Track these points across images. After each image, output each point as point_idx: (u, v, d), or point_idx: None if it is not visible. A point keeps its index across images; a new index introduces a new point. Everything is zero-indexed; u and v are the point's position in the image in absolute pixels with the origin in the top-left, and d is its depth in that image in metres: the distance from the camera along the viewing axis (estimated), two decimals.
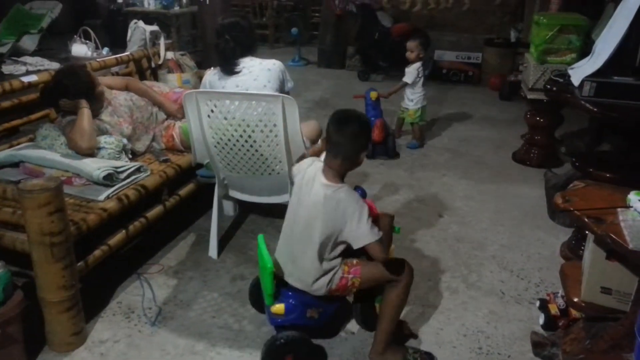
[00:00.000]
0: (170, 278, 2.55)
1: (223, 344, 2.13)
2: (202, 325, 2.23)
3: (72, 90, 2.55)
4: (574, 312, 2.09)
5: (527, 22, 5.67)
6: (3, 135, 2.89)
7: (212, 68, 2.77)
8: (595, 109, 2.32)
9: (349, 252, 1.94)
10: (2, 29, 6.39)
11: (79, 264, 2.09)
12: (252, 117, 2.35)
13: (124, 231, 2.38)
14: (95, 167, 2.38)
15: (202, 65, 4.39)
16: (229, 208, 3.11)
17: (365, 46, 6.46)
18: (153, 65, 3.66)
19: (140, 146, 2.84)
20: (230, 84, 2.61)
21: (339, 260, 1.93)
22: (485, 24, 6.68)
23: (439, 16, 6.75)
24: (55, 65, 4.35)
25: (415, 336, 2.17)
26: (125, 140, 2.68)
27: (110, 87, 2.86)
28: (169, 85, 3.36)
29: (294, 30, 7.25)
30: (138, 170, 2.53)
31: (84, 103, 2.54)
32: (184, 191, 2.78)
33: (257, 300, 2.23)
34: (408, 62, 4.22)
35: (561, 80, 2.71)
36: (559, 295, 2.20)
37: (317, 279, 1.91)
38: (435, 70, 6.34)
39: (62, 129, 2.61)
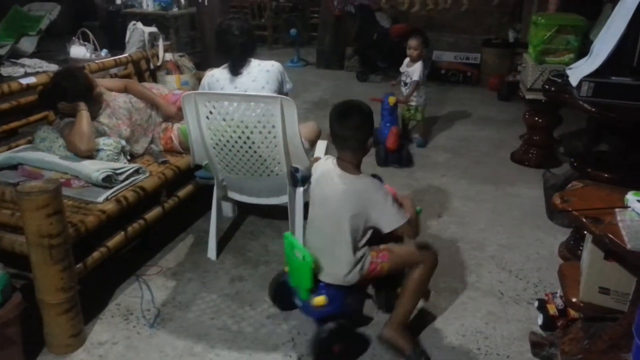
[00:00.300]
0: (169, 279, 2.55)
1: (222, 345, 2.13)
2: (200, 327, 2.23)
3: (71, 92, 2.55)
4: (573, 312, 2.09)
5: (526, 22, 5.68)
6: (1, 137, 2.88)
7: (212, 69, 2.75)
8: (593, 109, 2.32)
9: (374, 239, 1.99)
10: (0, 31, 6.39)
11: (78, 265, 2.09)
12: (250, 118, 2.35)
13: (122, 233, 2.38)
14: (94, 168, 2.39)
15: (201, 66, 4.39)
16: (227, 209, 3.11)
17: (364, 47, 6.47)
18: (152, 66, 3.66)
19: (138, 148, 2.84)
20: (229, 85, 2.62)
21: (366, 247, 1.97)
22: (484, 25, 6.69)
23: (438, 17, 6.76)
24: (53, 67, 4.35)
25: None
26: (123, 142, 2.68)
27: (109, 89, 2.85)
28: (168, 87, 3.36)
29: (293, 31, 7.25)
30: (137, 171, 2.53)
31: (82, 105, 2.54)
32: (182, 192, 2.78)
33: (282, 297, 2.24)
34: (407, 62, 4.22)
35: (559, 80, 2.71)
36: (558, 295, 2.20)
37: (351, 270, 1.94)
38: (434, 71, 6.33)
39: (60, 131, 2.61)
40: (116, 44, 5.01)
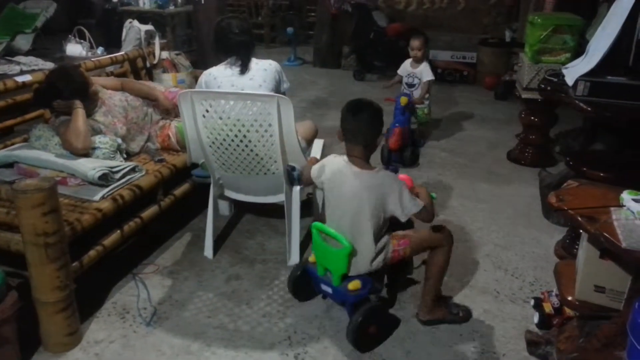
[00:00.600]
0: (165, 278, 2.54)
1: (218, 344, 2.13)
2: (197, 326, 2.23)
3: (66, 90, 2.54)
4: (568, 311, 2.10)
5: (522, 21, 5.69)
6: None
7: (213, 68, 2.72)
8: (589, 109, 2.33)
9: (393, 227, 2.13)
10: None
11: (74, 264, 2.08)
12: (247, 117, 2.35)
13: (119, 231, 2.37)
14: (90, 167, 2.38)
15: (198, 64, 4.38)
16: (224, 208, 3.10)
17: (361, 46, 6.46)
18: (148, 64, 3.65)
19: (134, 146, 2.83)
20: (226, 83, 2.61)
21: (387, 235, 2.09)
22: (480, 24, 6.69)
23: (434, 16, 6.76)
24: (49, 65, 4.32)
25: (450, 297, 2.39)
26: (119, 140, 2.67)
27: (105, 87, 2.84)
28: (164, 85, 3.36)
29: (290, 29, 7.24)
30: (133, 170, 2.52)
31: (78, 103, 2.54)
32: (179, 191, 2.77)
33: (302, 289, 2.32)
34: (405, 60, 4.19)
35: (555, 79, 2.72)
36: (554, 293, 2.21)
37: (374, 258, 2.06)
38: (431, 70, 6.33)
39: (56, 129, 2.60)
40: (112, 42, 4.98)
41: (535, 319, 2.22)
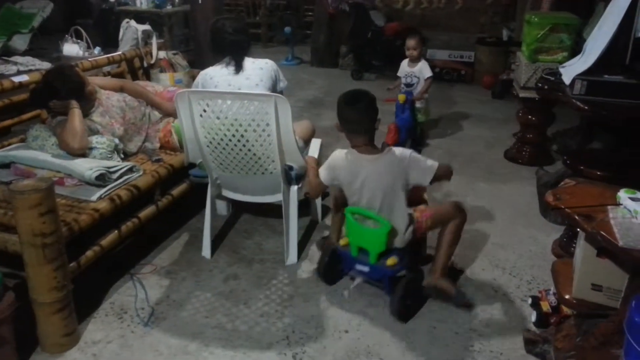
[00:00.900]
0: (163, 278, 2.54)
1: (216, 343, 2.13)
2: (195, 325, 2.23)
3: (62, 90, 2.53)
4: (566, 309, 2.11)
5: (519, 21, 5.69)
6: None
7: (210, 68, 2.72)
8: (586, 107, 2.33)
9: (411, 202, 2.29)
10: None
11: (71, 264, 2.08)
12: (244, 116, 2.35)
13: (116, 231, 2.37)
14: (87, 167, 2.38)
15: (195, 64, 4.38)
16: (222, 208, 3.10)
17: (358, 45, 6.47)
18: (145, 64, 3.64)
19: (132, 147, 2.83)
20: (223, 83, 2.61)
21: (410, 208, 2.24)
22: (478, 23, 6.70)
23: (432, 15, 6.77)
24: (46, 65, 4.32)
25: (462, 271, 2.58)
26: (117, 140, 2.67)
27: (103, 88, 2.83)
28: (162, 85, 3.35)
29: (287, 29, 7.24)
30: (130, 170, 2.52)
31: (74, 103, 2.53)
32: (176, 191, 2.77)
33: (333, 273, 2.47)
34: (402, 61, 4.20)
35: (552, 78, 2.72)
36: (551, 292, 2.22)
37: (407, 229, 2.22)
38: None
39: (52, 129, 2.60)
40: (109, 41, 4.98)
41: (533, 318, 2.22)
